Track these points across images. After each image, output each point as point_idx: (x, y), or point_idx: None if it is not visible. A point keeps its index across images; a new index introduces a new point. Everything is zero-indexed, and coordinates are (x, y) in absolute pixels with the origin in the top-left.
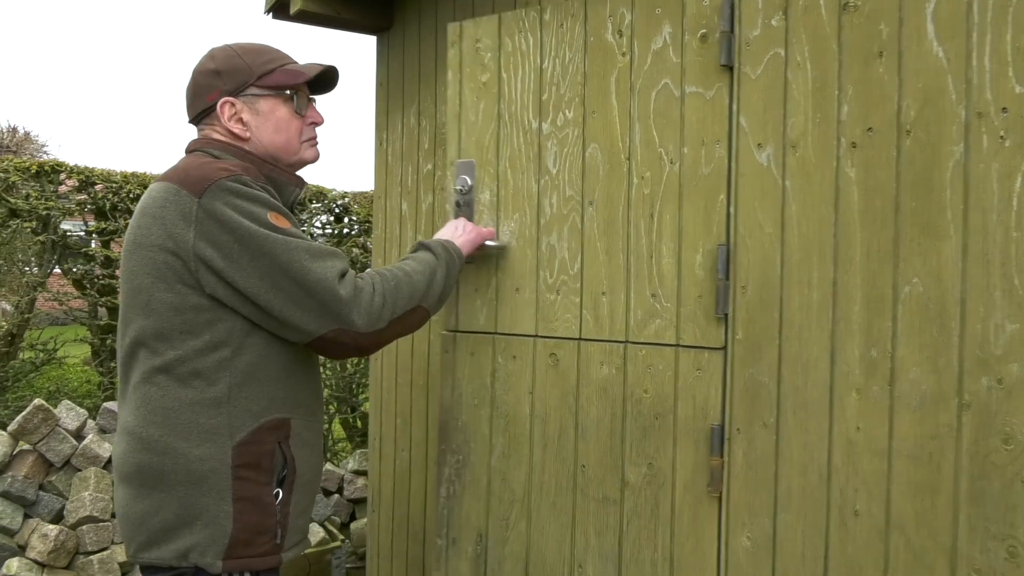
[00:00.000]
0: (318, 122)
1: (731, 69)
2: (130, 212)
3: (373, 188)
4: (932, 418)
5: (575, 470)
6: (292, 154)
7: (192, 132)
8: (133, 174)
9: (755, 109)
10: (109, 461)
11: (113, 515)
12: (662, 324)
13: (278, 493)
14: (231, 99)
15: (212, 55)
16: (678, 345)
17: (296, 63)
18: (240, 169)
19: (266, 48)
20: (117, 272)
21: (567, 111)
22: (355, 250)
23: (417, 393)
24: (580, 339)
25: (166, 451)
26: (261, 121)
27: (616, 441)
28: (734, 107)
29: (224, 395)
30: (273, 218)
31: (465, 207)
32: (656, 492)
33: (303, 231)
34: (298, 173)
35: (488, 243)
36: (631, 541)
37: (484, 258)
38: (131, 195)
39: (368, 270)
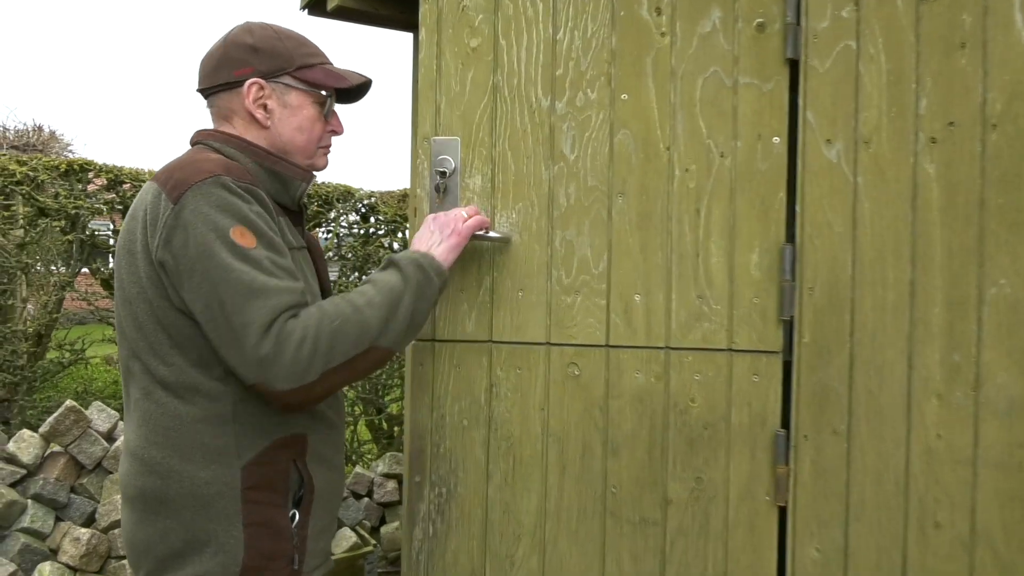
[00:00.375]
0: (339, 132)
1: (795, 62)
2: None
3: (408, 187)
4: (1022, 425)
5: (604, 492)
6: (306, 157)
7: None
8: None
9: (823, 103)
10: None
11: None
12: (711, 328)
13: (294, 515)
14: (261, 81)
15: (250, 29)
16: (731, 350)
17: (331, 63)
18: (222, 169)
19: (307, 40)
20: None
21: (589, 91)
22: (381, 251)
23: None
24: (608, 346)
25: (169, 474)
26: (287, 115)
27: (656, 456)
28: (800, 101)
29: (229, 412)
30: (236, 234)
31: (448, 194)
32: (706, 507)
33: (328, 231)
34: None
35: (490, 234)
36: (676, 561)
37: (473, 253)
38: None
39: (311, 307)
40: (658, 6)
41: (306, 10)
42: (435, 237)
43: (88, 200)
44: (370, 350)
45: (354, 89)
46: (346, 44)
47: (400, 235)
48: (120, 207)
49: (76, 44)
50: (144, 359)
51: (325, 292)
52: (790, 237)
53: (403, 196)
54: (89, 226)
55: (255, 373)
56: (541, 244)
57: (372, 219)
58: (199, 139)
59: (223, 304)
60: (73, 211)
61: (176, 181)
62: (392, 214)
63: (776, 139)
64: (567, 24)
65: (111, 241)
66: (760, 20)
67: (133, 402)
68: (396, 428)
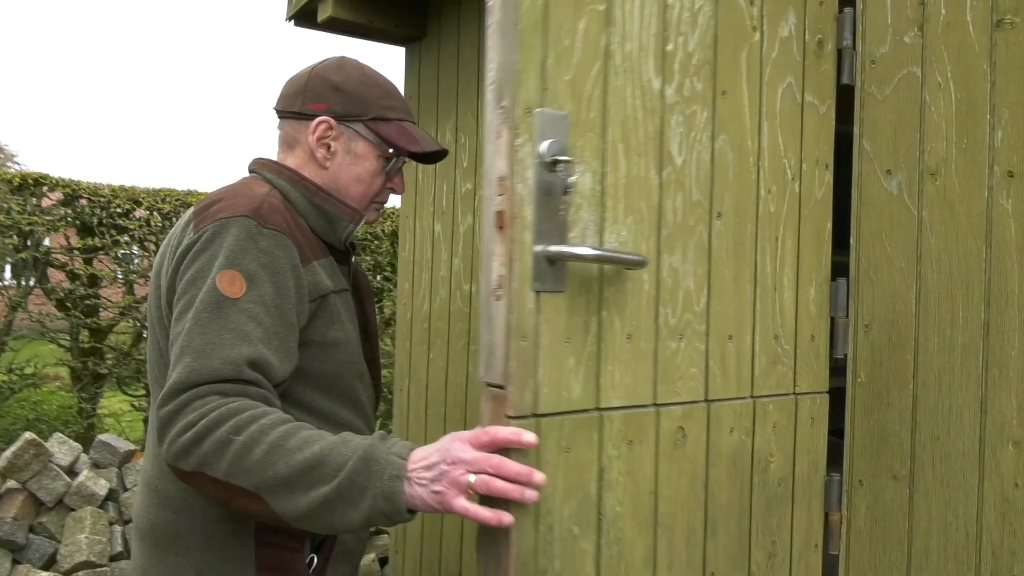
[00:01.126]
0: (398, 192)
1: (849, 87)
2: (117, 228)
3: (399, 207)
4: None
5: None
6: (358, 207)
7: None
8: (122, 187)
9: (883, 133)
10: (106, 499)
11: (112, 559)
12: (783, 371)
13: (312, 559)
14: (331, 121)
15: (341, 66)
16: (795, 393)
17: (413, 122)
18: (252, 210)
19: (394, 92)
20: (102, 292)
21: (695, 79)
22: None
23: (452, 428)
24: (707, 401)
25: (182, 508)
26: (348, 161)
27: (744, 526)
28: (855, 130)
29: None
30: (224, 279)
31: (565, 200)
32: (776, 573)
33: None
34: None
35: (619, 254)
36: None
37: (581, 282)
38: (119, 210)
39: (245, 402)
40: None
41: (292, 21)
42: (430, 473)
43: (42, 215)
44: (258, 499)
45: (421, 154)
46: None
47: (372, 257)
48: (76, 223)
49: (27, 52)
50: (163, 386)
51: (369, 335)
52: (839, 270)
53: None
54: (44, 243)
55: (156, 427)
56: (649, 272)
57: None
58: (255, 168)
59: (175, 348)
60: (27, 227)
61: (207, 213)
62: (363, 232)
63: (827, 168)
64: None
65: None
66: (820, 36)
67: (152, 429)
68: None
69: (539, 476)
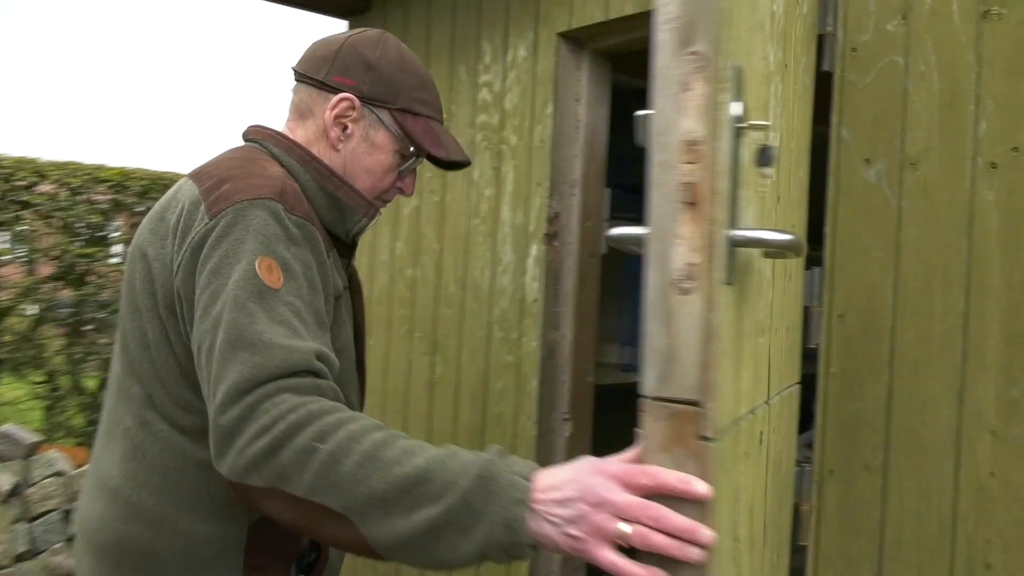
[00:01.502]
0: (406, 194)
1: (828, 74)
2: (20, 204)
3: None
4: None
5: None
6: None
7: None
8: (25, 159)
9: (862, 121)
10: (10, 495)
11: (17, 559)
12: (788, 363)
13: None
14: (355, 100)
15: (380, 44)
16: (790, 385)
17: (442, 122)
18: (276, 192)
19: (430, 83)
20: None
21: (778, 47)
22: None
23: (392, 418)
24: (768, 401)
25: (160, 523)
26: (364, 148)
27: (772, 529)
28: (833, 118)
29: None
30: (263, 267)
31: (741, 169)
32: (782, 571)
33: None
34: None
35: (778, 235)
36: None
37: (747, 266)
38: (22, 183)
39: (324, 403)
40: None
41: None
42: (565, 511)
43: None
44: (346, 522)
45: (440, 159)
46: (255, 30)
47: None
48: None
49: None
50: (147, 384)
51: (359, 336)
52: (811, 260)
53: None
54: None
55: (212, 438)
56: (759, 263)
57: None
58: (257, 137)
59: (212, 346)
60: None
61: (221, 194)
62: None
63: (807, 152)
64: None
65: None
66: (812, 19)
67: (122, 430)
68: None
69: (706, 533)
